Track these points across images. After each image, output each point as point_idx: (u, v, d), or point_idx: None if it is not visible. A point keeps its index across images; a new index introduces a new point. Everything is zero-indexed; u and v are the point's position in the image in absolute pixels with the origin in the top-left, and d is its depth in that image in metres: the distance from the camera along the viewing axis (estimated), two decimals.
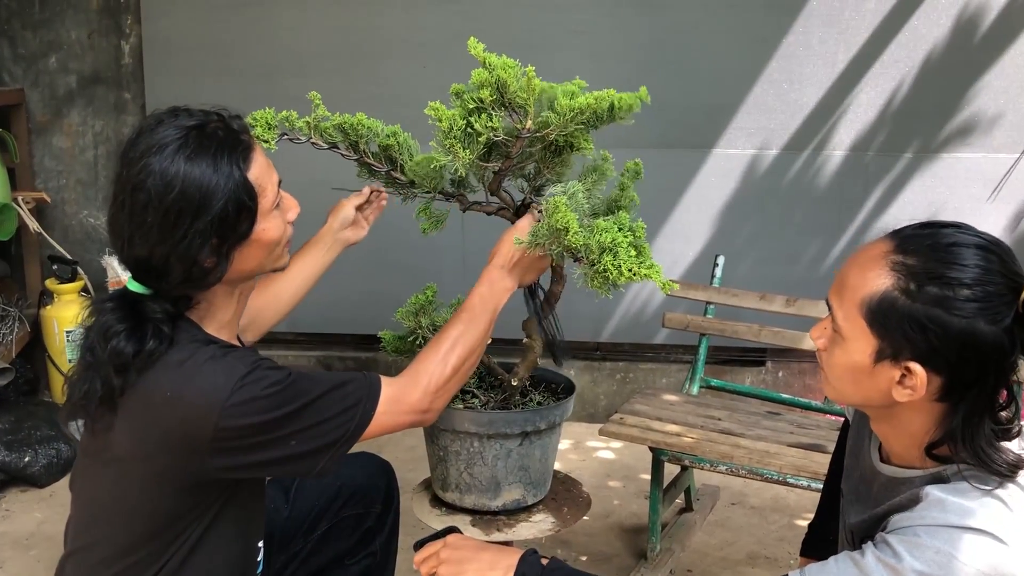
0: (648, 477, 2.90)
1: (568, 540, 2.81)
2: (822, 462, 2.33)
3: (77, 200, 3.85)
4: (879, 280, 1.18)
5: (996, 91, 3.37)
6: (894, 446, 1.29)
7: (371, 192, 1.94)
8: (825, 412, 2.78)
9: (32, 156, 3.81)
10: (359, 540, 1.90)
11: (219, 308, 1.43)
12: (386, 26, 3.55)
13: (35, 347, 3.65)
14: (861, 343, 1.20)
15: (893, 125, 3.44)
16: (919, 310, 1.15)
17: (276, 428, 1.34)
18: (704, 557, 2.76)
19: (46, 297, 3.64)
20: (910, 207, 3.48)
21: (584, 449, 3.50)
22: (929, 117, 3.42)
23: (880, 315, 1.17)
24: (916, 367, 1.17)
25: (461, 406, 1.94)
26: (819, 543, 1.65)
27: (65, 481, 2.51)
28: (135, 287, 1.37)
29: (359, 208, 1.95)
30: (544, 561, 1.36)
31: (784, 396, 2.90)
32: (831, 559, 1.21)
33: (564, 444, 3.43)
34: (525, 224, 1.71)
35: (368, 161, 1.80)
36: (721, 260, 2.98)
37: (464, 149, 1.62)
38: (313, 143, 1.77)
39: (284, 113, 1.74)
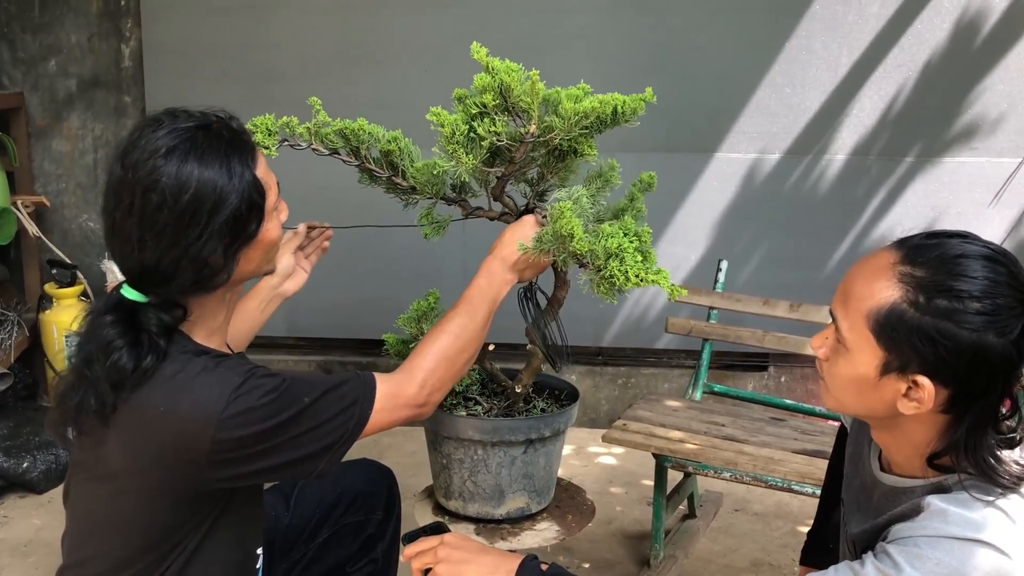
0: (650, 483, 2.88)
1: (570, 547, 2.79)
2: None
3: (77, 204, 3.84)
4: (887, 292, 1.16)
5: (999, 95, 3.36)
6: (895, 456, 1.28)
7: (309, 229, 1.87)
8: (829, 418, 2.77)
9: (31, 160, 3.79)
10: (361, 547, 1.88)
11: (210, 314, 1.41)
12: (386, 29, 3.54)
13: (34, 352, 3.64)
14: (867, 355, 1.18)
15: (895, 129, 3.43)
16: (928, 323, 1.13)
17: (274, 436, 1.32)
18: (707, 564, 2.74)
19: (45, 301, 3.62)
20: (912, 211, 3.47)
21: (586, 455, 3.48)
22: (931, 121, 3.41)
23: (888, 327, 1.16)
24: (924, 380, 1.15)
25: (464, 413, 1.93)
26: (819, 551, 1.64)
27: None
28: (133, 295, 1.34)
29: (298, 249, 1.86)
30: (544, 567, 1.34)
31: (787, 402, 2.89)
32: (831, 569, 1.19)
33: (566, 450, 3.41)
34: (530, 221, 1.70)
35: (369, 167, 1.78)
36: (724, 265, 2.96)
37: (467, 155, 1.61)
38: (314, 149, 1.76)
39: (284, 119, 1.72)
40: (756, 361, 3.69)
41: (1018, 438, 1.19)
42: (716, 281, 2.95)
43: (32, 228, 3.58)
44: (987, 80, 3.35)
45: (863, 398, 1.22)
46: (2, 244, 3.45)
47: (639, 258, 1.58)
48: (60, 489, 3.11)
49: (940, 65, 3.37)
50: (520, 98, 1.59)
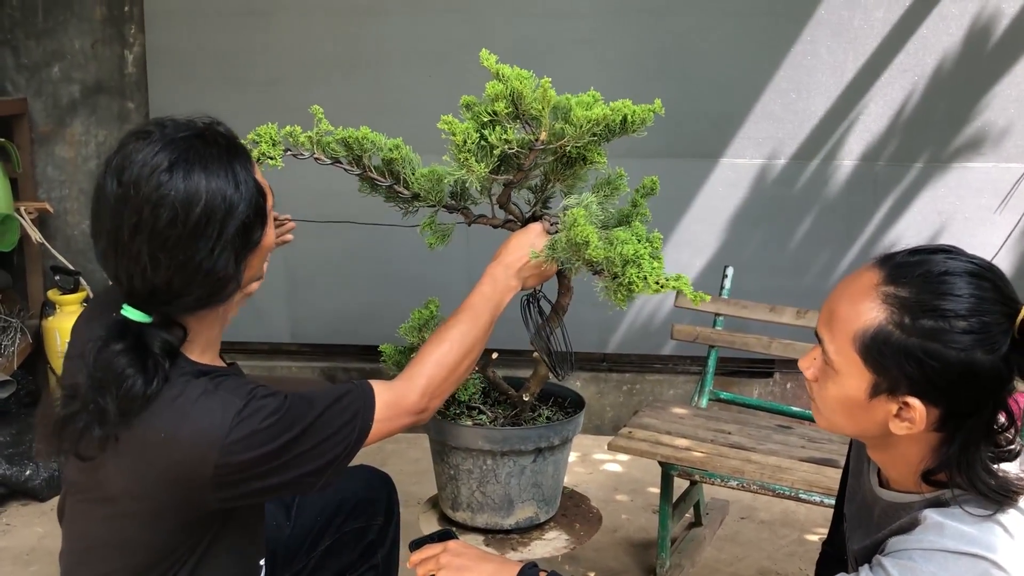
0: (656, 491, 2.87)
1: (576, 555, 2.77)
2: (835, 477, 2.29)
3: (80, 210, 3.83)
4: (871, 313, 1.14)
5: (1007, 100, 3.34)
6: (891, 473, 1.26)
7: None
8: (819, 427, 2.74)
9: (34, 166, 3.78)
10: (361, 554, 1.87)
11: (207, 328, 1.38)
12: (390, 35, 3.53)
13: (37, 358, 3.62)
14: (855, 378, 1.16)
15: (903, 135, 3.41)
16: (915, 344, 1.11)
17: (278, 457, 1.30)
18: (714, 573, 2.72)
19: (48, 308, 3.61)
20: (919, 217, 3.45)
21: (591, 462, 3.46)
22: (939, 127, 3.39)
23: (875, 350, 1.14)
24: (914, 401, 1.13)
25: (470, 423, 1.91)
26: (833, 562, 1.62)
27: None
28: (136, 315, 1.30)
29: None
30: (543, 575, 1.34)
31: (795, 409, 2.87)
32: None
33: (571, 457, 3.40)
34: (536, 228, 1.69)
35: (371, 175, 1.77)
36: (730, 271, 2.95)
37: (478, 163, 1.60)
38: (316, 159, 1.74)
39: (288, 128, 1.71)
40: (762, 367, 3.67)
41: (1017, 450, 1.18)
42: (722, 287, 2.94)
43: (35, 234, 3.57)
44: (995, 86, 3.34)
45: (854, 419, 1.20)
46: (5, 251, 3.44)
47: (655, 264, 1.57)
48: None
49: (948, 70, 3.35)
50: (531, 106, 1.58)
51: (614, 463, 3.44)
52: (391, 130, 1.84)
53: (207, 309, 1.35)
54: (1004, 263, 3.36)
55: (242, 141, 1.67)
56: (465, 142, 1.59)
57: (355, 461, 1.43)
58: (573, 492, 2.18)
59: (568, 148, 1.65)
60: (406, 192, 1.77)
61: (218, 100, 3.54)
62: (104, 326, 1.30)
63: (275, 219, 1.78)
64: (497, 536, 1.93)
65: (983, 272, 1.14)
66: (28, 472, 3.05)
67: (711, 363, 2.91)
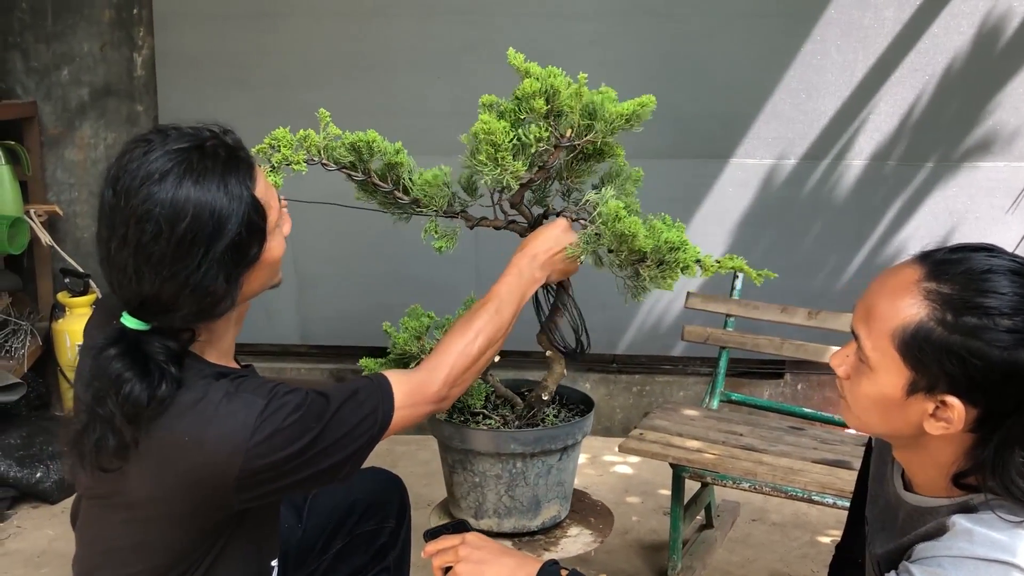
0: (666, 492, 2.86)
1: (587, 558, 2.76)
2: (848, 479, 2.28)
3: (89, 213, 3.83)
4: (912, 310, 1.12)
5: (1018, 99, 3.32)
6: (918, 475, 1.24)
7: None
8: (849, 427, 2.73)
9: (44, 169, 3.79)
10: (373, 556, 1.86)
11: (220, 336, 1.37)
12: (397, 37, 3.53)
13: (47, 361, 3.63)
14: (892, 375, 1.15)
15: (913, 134, 3.39)
16: (957, 342, 1.09)
17: (302, 455, 1.30)
18: (725, 575, 2.71)
19: (58, 310, 3.62)
20: (930, 217, 3.43)
21: (601, 464, 3.45)
22: (950, 126, 3.37)
23: (915, 347, 1.12)
24: (953, 400, 1.11)
25: (486, 427, 1.91)
26: (848, 566, 1.60)
27: None
28: (134, 323, 1.29)
29: None
30: (564, 573, 1.31)
31: (806, 410, 2.85)
32: None
33: (581, 459, 3.39)
34: (563, 223, 1.70)
35: (374, 181, 1.76)
36: (740, 272, 2.93)
37: (516, 161, 1.60)
38: (323, 164, 1.73)
39: (302, 132, 1.69)
40: (772, 368, 3.66)
41: None
42: (733, 288, 2.92)
43: (45, 237, 3.57)
44: (1007, 84, 3.32)
45: (888, 418, 1.18)
46: (15, 253, 3.44)
47: (697, 248, 1.60)
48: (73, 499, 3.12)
49: (959, 70, 3.33)
50: (565, 103, 1.59)
51: (624, 465, 3.43)
52: (398, 132, 1.83)
53: (203, 322, 1.32)
54: None
55: (259, 146, 1.66)
56: (502, 141, 1.59)
57: (366, 463, 1.43)
58: (582, 494, 2.17)
59: (597, 143, 1.67)
60: (405, 198, 1.77)
61: (226, 102, 3.54)
62: (103, 334, 1.29)
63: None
64: (523, 539, 1.93)
65: None
66: (38, 474, 3.05)
67: (722, 364, 2.90)
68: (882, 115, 3.40)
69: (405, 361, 1.97)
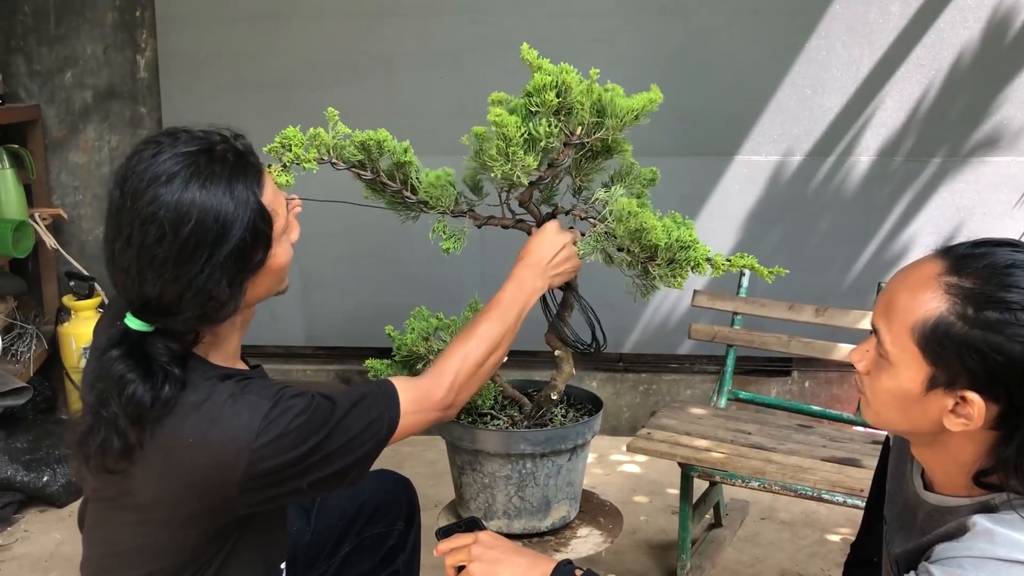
0: (675, 491, 2.84)
1: (595, 558, 2.74)
2: (858, 477, 2.27)
3: (94, 216, 3.83)
4: (932, 304, 1.11)
5: None
6: (937, 474, 1.22)
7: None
8: (858, 424, 2.71)
9: (48, 172, 3.79)
10: (382, 559, 1.85)
11: (224, 339, 1.36)
12: (401, 36, 3.52)
13: (53, 364, 3.63)
14: (912, 370, 1.13)
15: (920, 130, 3.38)
16: (978, 336, 1.08)
17: (306, 459, 1.29)
18: (735, 575, 2.69)
19: (63, 314, 3.62)
20: (937, 213, 3.41)
21: (608, 463, 3.44)
22: (957, 121, 3.36)
23: (935, 341, 1.10)
24: (973, 396, 1.10)
25: (495, 428, 1.90)
26: (862, 565, 1.59)
27: None
28: (137, 324, 1.28)
29: None
30: (579, 573, 1.30)
31: (815, 408, 2.84)
32: None
33: (588, 459, 3.38)
34: (554, 226, 1.70)
35: (384, 180, 1.75)
36: (747, 270, 2.91)
37: (527, 155, 1.59)
38: (333, 163, 1.72)
39: (312, 131, 1.69)
40: (779, 366, 3.64)
41: None
42: (740, 286, 2.91)
43: (50, 240, 3.57)
44: (1014, 79, 3.30)
45: (907, 414, 1.17)
46: (20, 257, 3.44)
47: (707, 247, 1.59)
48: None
49: (965, 64, 3.32)
50: (577, 98, 1.58)
51: (632, 464, 3.42)
52: (402, 132, 1.82)
53: (206, 326, 1.32)
54: None
55: (270, 145, 1.65)
56: (513, 136, 1.58)
57: (373, 465, 1.42)
58: (590, 492, 2.16)
59: (607, 139, 1.66)
60: (412, 197, 1.76)
61: (230, 103, 3.54)
62: (107, 335, 1.28)
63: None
64: (533, 540, 1.92)
65: None
66: (45, 478, 3.05)
67: (730, 362, 2.88)
68: (888, 111, 3.38)
69: (412, 362, 1.97)
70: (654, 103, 1.64)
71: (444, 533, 1.42)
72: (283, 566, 1.53)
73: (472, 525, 1.43)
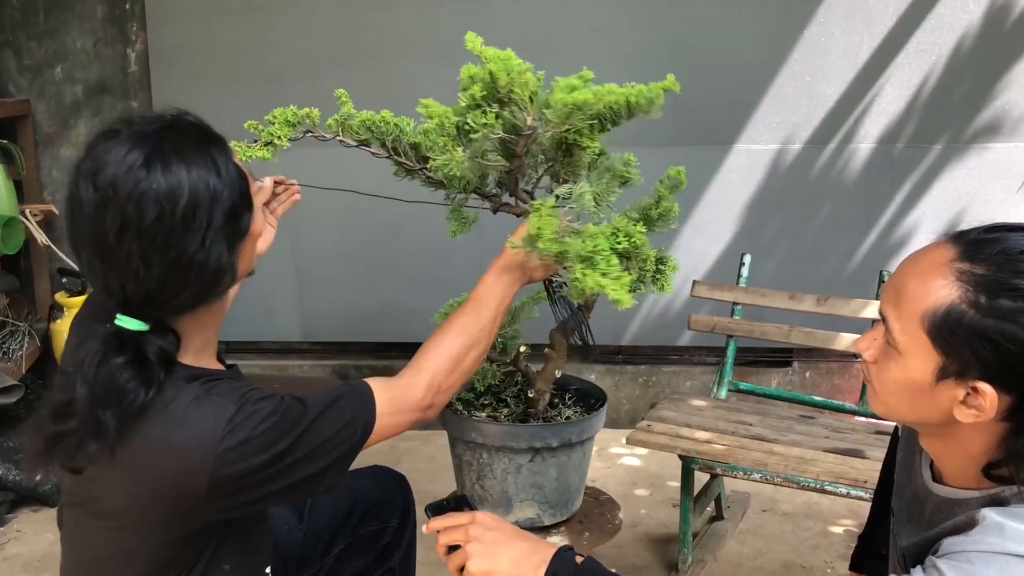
0: (675, 484, 2.81)
1: (596, 553, 2.71)
2: (861, 468, 2.23)
3: None
4: (943, 291, 1.07)
5: None
6: (947, 466, 1.19)
7: (275, 184, 1.72)
8: (860, 415, 2.68)
9: (39, 168, 3.74)
10: (377, 557, 1.81)
11: (201, 329, 1.32)
12: (394, 27, 3.47)
13: (45, 362, 3.58)
14: (921, 359, 1.09)
15: (921, 116, 3.34)
16: (991, 325, 1.04)
17: (275, 463, 1.24)
18: (737, 568, 2.66)
19: (56, 311, 3.57)
20: (939, 200, 3.38)
21: (608, 456, 3.40)
22: (958, 107, 3.32)
23: (945, 330, 1.06)
24: (985, 387, 1.06)
25: (484, 415, 1.87)
26: (871, 557, 1.56)
27: None
28: (132, 324, 1.24)
29: (264, 205, 1.71)
30: (579, 559, 1.25)
31: (816, 399, 2.80)
32: None
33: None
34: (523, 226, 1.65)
35: (401, 160, 1.72)
36: (747, 259, 2.88)
37: (457, 148, 1.54)
38: (341, 141, 1.70)
39: (305, 110, 1.67)
40: (780, 356, 3.61)
41: None
42: (739, 276, 2.87)
43: (41, 237, 3.53)
44: (1016, 64, 3.26)
45: (916, 404, 1.13)
46: (11, 253, 3.40)
47: (614, 261, 1.49)
48: None
49: (967, 49, 3.28)
50: (510, 88, 1.52)
51: (632, 457, 3.39)
52: None
53: (204, 305, 1.29)
54: None
55: (249, 122, 1.64)
56: (443, 125, 1.54)
57: (369, 460, 1.38)
58: (604, 498, 2.11)
59: (550, 134, 1.59)
60: (437, 177, 1.73)
61: (222, 96, 3.49)
62: (101, 338, 1.23)
63: (278, 183, 1.73)
64: (538, 534, 1.89)
65: None
66: (38, 477, 3.01)
67: (730, 353, 2.85)
68: (889, 97, 3.34)
69: None
70: (603, 99, 1.55)
71: (435, 509, 1.37)
72: (268, 570, 1.49)
73: (461, 502, 1.39)
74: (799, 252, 3.47)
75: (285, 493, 1.29)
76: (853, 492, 2.23)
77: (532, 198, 1.77)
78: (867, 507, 1.58)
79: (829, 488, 2.26)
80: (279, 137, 1.60)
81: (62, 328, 3.49)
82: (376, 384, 1.40)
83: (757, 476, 2.34)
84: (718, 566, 2.65)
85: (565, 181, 1.77)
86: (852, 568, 1.58)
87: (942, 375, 1.09)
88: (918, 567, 1.08)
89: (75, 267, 3.57)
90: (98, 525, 1.29)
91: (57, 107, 3.72)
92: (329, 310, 3.72)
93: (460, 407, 1.88)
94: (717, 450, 2.34)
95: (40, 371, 3.59)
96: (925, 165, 3.36)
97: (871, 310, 2.63)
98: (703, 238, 3.49)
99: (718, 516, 2.88)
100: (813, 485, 2.27)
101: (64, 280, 3.54)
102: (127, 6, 3.62)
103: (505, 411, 1.90)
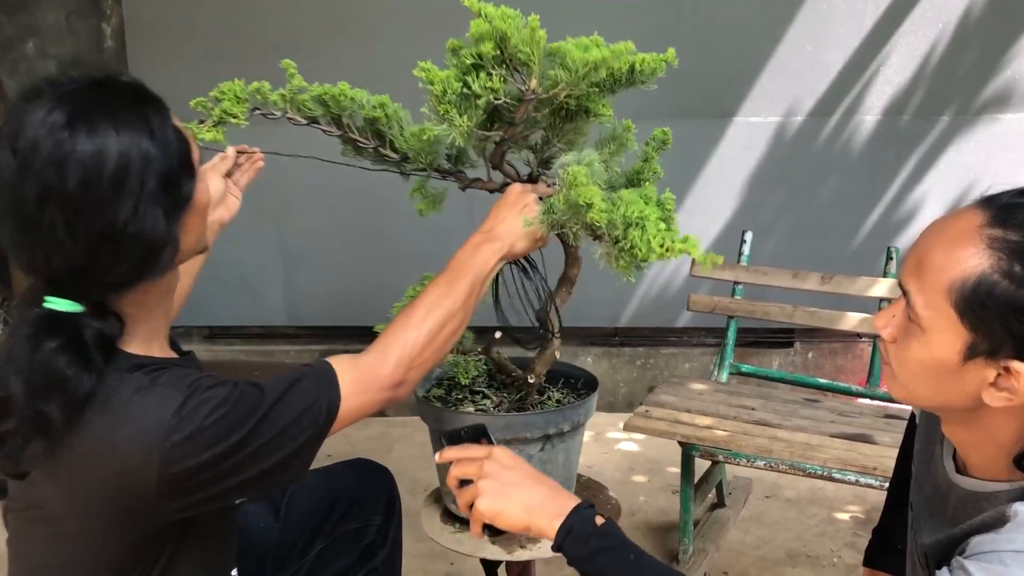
0: (675, 470, 2.72)
1: None
2: (870, 454, 2.13)
3: None
4: (972, 260, 0.96)
5: None
6: (972, 455, 1.08)
7: (238, 153, 1.63)
8: (867, 397, 2.58)
9: None
10: (359, 556, 1.71)
11: (146, 315, 1.21)
12: (381, 0, 3.35)
13: None
14: (948, 336, 0.99)
15: (928, 87, 3.23)
16: None
17: (232, 455, 1.13)
18: (740, 556, 2.56)
19: None
20: (947, 173, 3.27)
21: (605, 441, 3.30)
22: (966, 77, 3.21)
23: (975, 303, 0.96)
24: (1019, 367, 0.95)
25: (472, 409, 1.75)
26: (885, 552, 1.45)
27: None
28: (64, 305, 1.12)
29: (227, 175, 1.63)
30: (599, 520, 1.14)
31: (821, 381, 2.70)
32: None
33: (584, 436, 3.25)
34: (517, 189, 1.53)
35: (353, 137, 1.59)
36: (749, 236, 2.77)
37: (461, 115, 1.42)
38: (289, 118, 1.56)
39: (255, 84, 1.53)
40: (781, 337, 3.51)
41: None
42: (741, 254, 2.76)
43: None
44: None
45: (940, 387, 1.02)
46: None
47: (662, 226, 1.38)
48: None
49: (975, 17, 3.16)
50: (518, 48, 1.39)
51: (630, 442, 3.29)
52: (384, 94, 1.67)
53: (145, 282, 1.17)
54: None
55: (196, 100, 1.51)
56: (445, 92, 1.41)
57: (359, 447, 1.26)
58: (590, 480, 2.02)
59: (563, 98, 1.47)
60: (394, 155, 1.60)
61: (201, 71, 3.36)
62: (30, 322, 1.11)
63: (240, 152, 1.61)
64: (505, 533, 1.77)
65: None
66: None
67: (731, 334, 2.74)
68: (894, 67, 3.23)
69: None
70: (621, 57, 1.44)
71: (451, 438, 1.28)
72: (234, 573, 1.38)
73: (479, 432, 1.29)
74: (802, 229, 3.36)
75: (246, 488, 1.17)
76: (863, 480, 2.12)
77: (517, 172, 1.65)
78: (874, 493, 1.47)
79: (837, 476, 2.16)
80: (235, 116, 1.47)
81: None
82: (339, 363, 1.28)
83: (761, 464, 2.24)
84: (720, 555, 2.56)
85: (563, 151, 1.65)
86: (866, 564, 1.48)
87: (970, 354, 0.98)
88: (944, 568, 0.98)
89: None
90: (41, 532, 1.18)
91: (30, 83, 3.59)
92: (316, 293, 3.61)
93: (455, 403, 1.77)
94: (719, 436, 2.24)
95: None
96: (932, 137, 3.26)
97: (878, 288, 2.52)
98: (703, 215, 3.38)
99: (719, 503, 2.78)
100: (820, 473, 2.17)
101: None
102: None
103: (486, 403, 1.78)
